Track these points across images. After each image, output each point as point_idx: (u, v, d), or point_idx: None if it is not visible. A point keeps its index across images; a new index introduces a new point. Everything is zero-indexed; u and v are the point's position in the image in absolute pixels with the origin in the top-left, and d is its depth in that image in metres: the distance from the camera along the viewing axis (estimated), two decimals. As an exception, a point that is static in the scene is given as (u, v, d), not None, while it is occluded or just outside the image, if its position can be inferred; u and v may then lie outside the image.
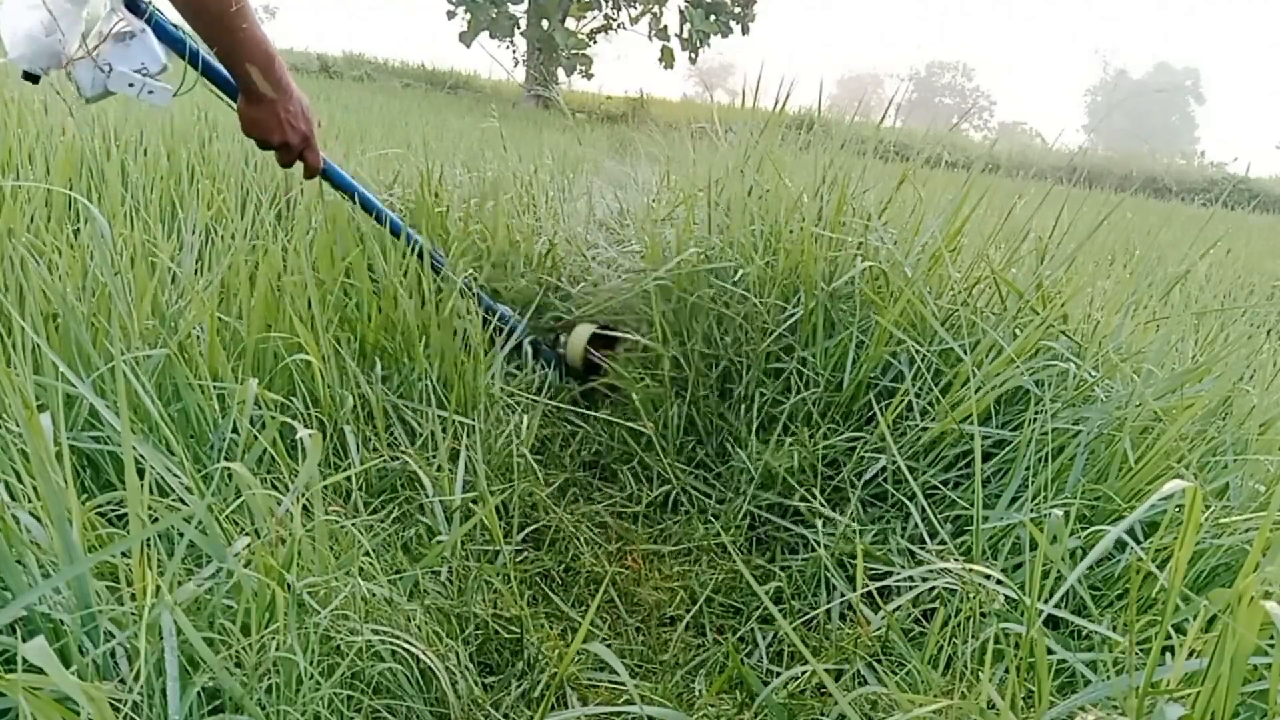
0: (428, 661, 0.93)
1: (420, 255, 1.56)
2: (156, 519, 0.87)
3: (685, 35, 17.28)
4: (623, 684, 1.05)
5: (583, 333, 1.82)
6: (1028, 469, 1.25)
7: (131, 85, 1.14)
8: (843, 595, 1.21)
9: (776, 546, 1.40)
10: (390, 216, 1.55)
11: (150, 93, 1.15)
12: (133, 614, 0.72)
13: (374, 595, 0.95)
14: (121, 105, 2.70)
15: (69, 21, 1.08)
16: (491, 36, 17.43)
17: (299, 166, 1.35)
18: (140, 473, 0.83)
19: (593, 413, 1.73)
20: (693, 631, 1.25)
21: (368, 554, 1.02)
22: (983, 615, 0.98)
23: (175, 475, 0.87)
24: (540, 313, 1.96)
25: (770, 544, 1.41)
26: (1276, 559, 0.69)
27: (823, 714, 1.02)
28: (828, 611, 1.21)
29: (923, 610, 1.14)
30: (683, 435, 1.68)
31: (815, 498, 1.38)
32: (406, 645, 0.92)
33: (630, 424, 1.67)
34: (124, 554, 0.77)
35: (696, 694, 1.12)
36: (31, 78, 1.10)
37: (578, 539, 1.41)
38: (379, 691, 0.91)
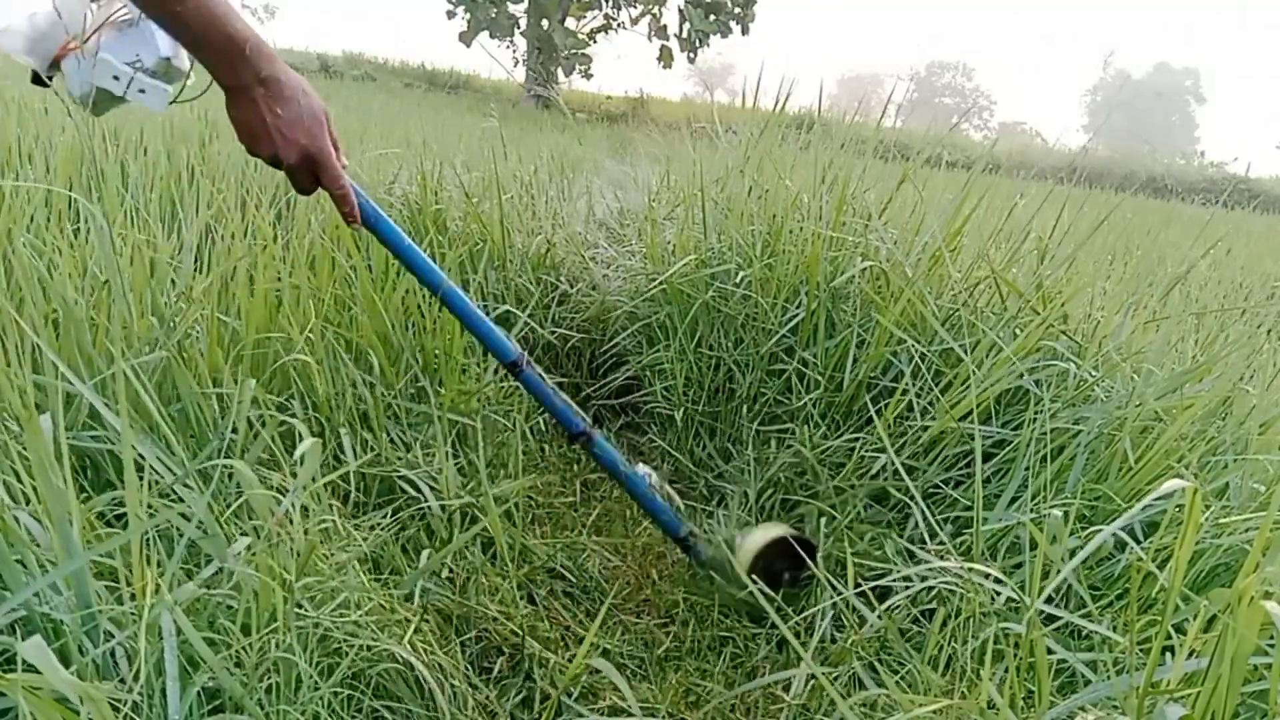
0: (424, 671, 0.93)
1: (516, 372, 1.17)
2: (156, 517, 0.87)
3: (685, 35, 17.27)
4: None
5: (760, 539, 1.24)
6: (1028, 469, 1.24)
7: (117, 78, 0.95)
8: (842, 595, 1.21)
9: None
10: (476, 318, 1.13)
11: (141, 91, 0.97)
12: (132, 614, 0.72)
13: (371, 600, 0.95)
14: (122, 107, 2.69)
15: (75, 13, 0.96)
16: (491, 36, 17.43)
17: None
18: (140, 471, 0.83)
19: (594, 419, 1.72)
20: (695, 631, 1.25)
21: (366, 557, 1.02)
22: (983, 615, 0.98)
23: (174, 474, 0.87)
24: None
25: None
26: (1276, 559, 0.69)
27: (823, 714, 1.02)
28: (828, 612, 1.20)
29: (922, 610, 1.14)
30: (686, 436, 1.68)
31: (816, 498, 1.38)
32: (404, 656, 0.92)
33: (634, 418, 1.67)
34: (124, 553, 0.77)
35: (699, 695, 1.12)
36: (40, 81, 0.99)
37: (579, 540, 1.41)
38: (379, 692, 0.91)
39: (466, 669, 1.03)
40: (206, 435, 1.09)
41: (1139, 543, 1.14)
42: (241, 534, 0.87)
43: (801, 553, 1.21)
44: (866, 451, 1.40)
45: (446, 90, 16.05)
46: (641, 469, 1.31)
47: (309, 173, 0.98)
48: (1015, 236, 1.73)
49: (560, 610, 1.25)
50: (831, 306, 1.55)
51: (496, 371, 1.58)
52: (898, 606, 1.11)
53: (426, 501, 1.24)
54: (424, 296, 1.50)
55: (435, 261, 1.11)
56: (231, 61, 0.89)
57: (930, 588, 1.10)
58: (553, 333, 1.94)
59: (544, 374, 1.20)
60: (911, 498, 1.28)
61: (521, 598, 1.22)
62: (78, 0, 0.97)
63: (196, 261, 1.39)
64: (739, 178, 1.86)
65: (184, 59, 1.01)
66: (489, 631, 1.12)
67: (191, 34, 0.87)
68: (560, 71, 17.04)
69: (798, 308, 1.59)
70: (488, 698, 1.03)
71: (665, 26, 17.61)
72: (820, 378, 1.52)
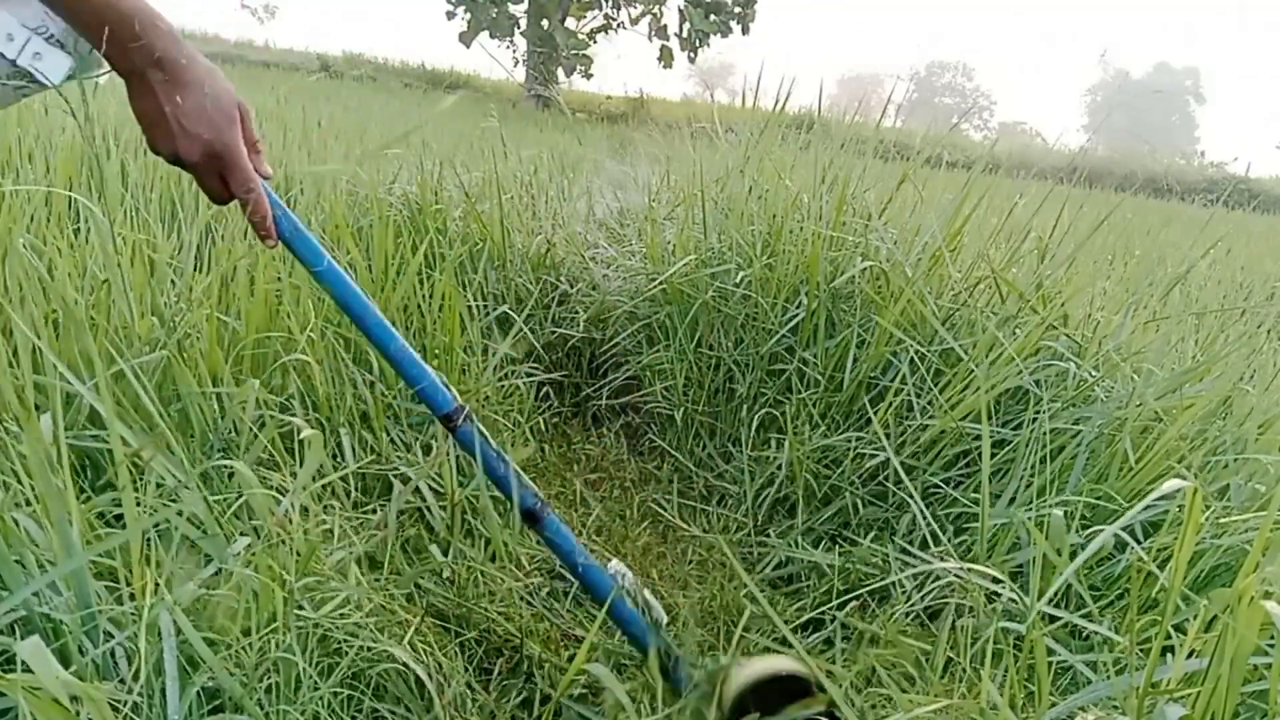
0: (421, 674, 0.93)
1: (452, 429, 0.99)
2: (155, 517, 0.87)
3: (685, 35, 17.28)
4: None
5: (754, 673, 0.96)
6: (1029, 469, 1.25)
7: (11, 38, 0.81)
8: (843, 595, 1.21)
9: (777, 548, 1.40)
10: (406, 359, 0.97)
11: (37, 55, 0.83)
12: (132, 614, 0.72)
13: (371, 600, 0.95)
14: (122, 104, 2.69)
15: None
16: (491, 36, 17.43)
17: None
18: (140, 471, 0.83)
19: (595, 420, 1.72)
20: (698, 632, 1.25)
21: (366, 557, 1.02)
22: (983, 615, 0.98)
23: (174, 475, 0.87)
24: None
25: (770, 545, 1.41)
26: (1276, 559, 0.69)
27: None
28: (830, 612, 1.21)
29: (923, 610, 1.14)
30: (686, 436, 1.68)
31: (815, 498, 1.38)
32: (404, 657, 0.92)
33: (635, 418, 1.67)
34: (123, 553, 0.77)
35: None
36: None
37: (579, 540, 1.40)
38: (379, 693, 0.91)
39: (466, 670, 1.03)
40: (206, 435, 1.09)
41: (1139, 543, 1.14)
42: (241, 534, 0.87)
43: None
44: (866, 450, 1.40)
45: (446, 90, 16.05)
46: (614, 566, 1.07)
47: (215, 174, 0.86)
48: (1015, 236, 1.73)
49: (560, 611, 1.25)
50: (831, 306, 1.55)
51: (497, 371, 1.58)
52: (897, 609, 1.11)
53: (426, 503, 1.24)
54: (424, 296, 1.50)
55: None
56: (119, 41, 0.77)
57: (930, 589, 1.10)
58: (553, 333, 1.94)
59: (486, 433, 1.00)
60: (911, 496, 1.28)
61: (521, 599, 1.22)
62: None
63: (196, 261, 1.39)
64: (739, 178, 1.86)
65: None
66: (489, 633, 1.12)
67: (64, 7, 0.76)
68: (560, 71, 17.04)
69: (798, 308, 1.59)
70: (488, 699, 1.03)
71: (665, 26, 17.62)
72: (820, 377, 1.52)
